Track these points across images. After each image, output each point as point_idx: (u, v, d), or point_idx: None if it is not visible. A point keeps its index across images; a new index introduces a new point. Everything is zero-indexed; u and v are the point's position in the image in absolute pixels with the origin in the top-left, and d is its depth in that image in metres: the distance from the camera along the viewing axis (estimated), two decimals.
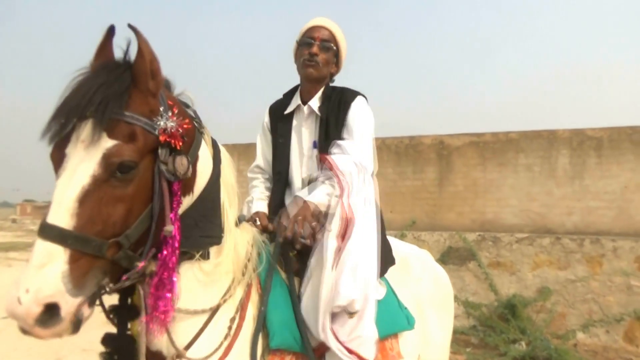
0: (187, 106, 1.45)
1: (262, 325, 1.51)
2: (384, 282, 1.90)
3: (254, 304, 1.54)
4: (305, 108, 1.96)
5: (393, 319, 1.84)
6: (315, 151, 1.90)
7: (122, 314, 1.36)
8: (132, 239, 1.18)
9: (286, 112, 2.01)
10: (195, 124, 1.40)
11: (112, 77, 1.15)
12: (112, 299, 1.32)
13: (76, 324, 1.11)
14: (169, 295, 1.27)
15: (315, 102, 1.94)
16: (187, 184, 1.34)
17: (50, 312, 1.04)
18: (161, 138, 1.20)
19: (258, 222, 1.79)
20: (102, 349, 1.38)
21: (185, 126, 1.27)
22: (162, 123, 1.21)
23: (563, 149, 6.49)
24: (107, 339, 1.37)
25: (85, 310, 1.12)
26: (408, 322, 1.88)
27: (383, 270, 1.83)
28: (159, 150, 1.21)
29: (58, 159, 1.15)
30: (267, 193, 2.06)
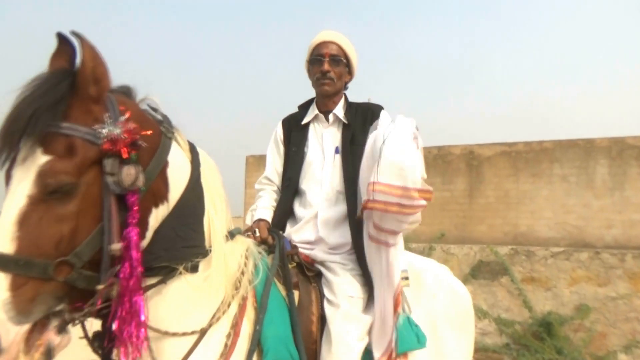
0: (155, 110, 1.38)
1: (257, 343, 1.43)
2: None
3: (250, 319, 1.47)
4: (331, 116, 2.02)
5: (402, 337, 1.75)
6: (338, 157, 1.94)
7: (103, 341, 1.29)
8: (84, 257, 1.10)
9: (303, 122, 2.05)
10: (162, 129, 1.33)
11: (46, 87, 1.09)
12: (97, 325, 1.27)
13: (47, 354, 1.07)
14: (133, 319, 1.18)
15: (339, 111, 2.01)
16: (158, 194, 1.27)
17: None
18: (104, 147, 1.11)
19: (257, 234, 1.74)
20: None
21: (138, 132, 1.17)
22: (105, 131, 1.11)
23: (601, 159, 6.21)
24: None
25: (54, 338, 1.08)
26: (418, 341, 1.77)
27: None
28: (104, 161, 1.12)
29: (6, 180, 1.10)
30: (274, 203, 2.07)
